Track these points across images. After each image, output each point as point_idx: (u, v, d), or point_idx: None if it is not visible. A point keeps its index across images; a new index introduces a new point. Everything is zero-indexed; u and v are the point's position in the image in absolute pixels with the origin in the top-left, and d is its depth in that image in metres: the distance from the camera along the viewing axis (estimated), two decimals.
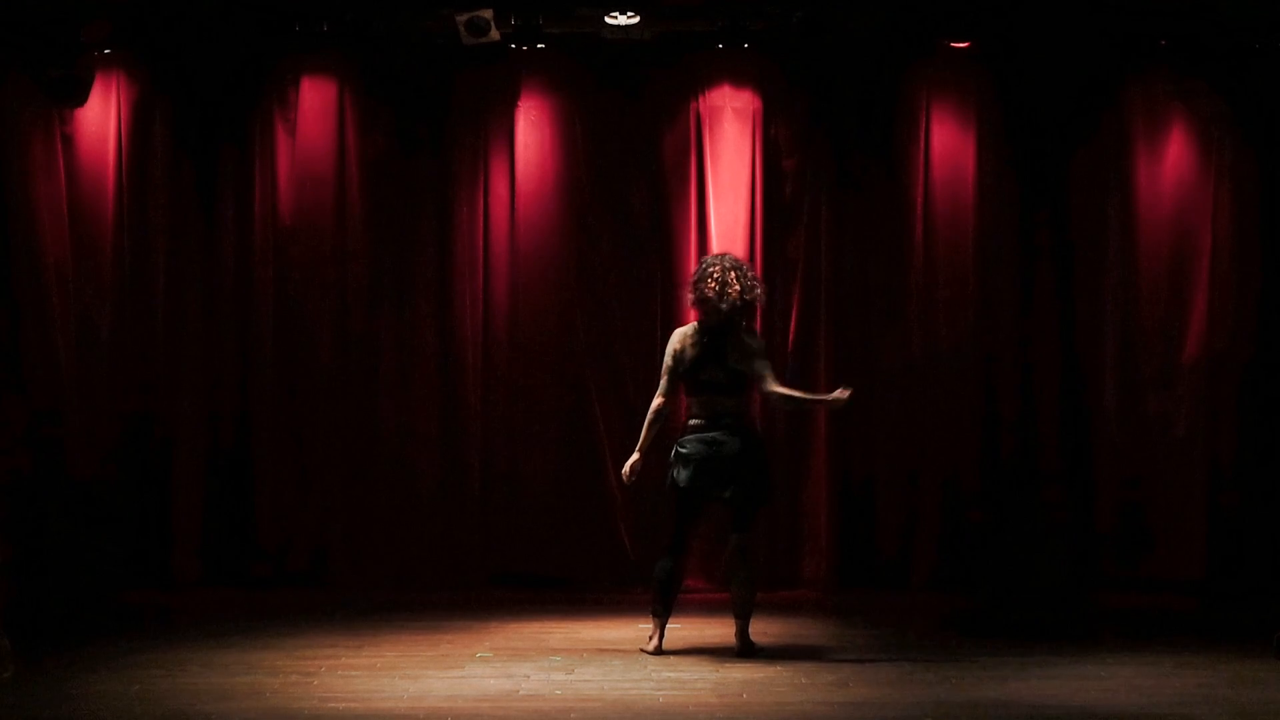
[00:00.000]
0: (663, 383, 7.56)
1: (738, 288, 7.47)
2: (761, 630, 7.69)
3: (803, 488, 9.66)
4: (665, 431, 7.61)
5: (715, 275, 7.48)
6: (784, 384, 7.65)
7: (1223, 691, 6.80)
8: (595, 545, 9.59)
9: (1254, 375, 9.49)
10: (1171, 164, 9.61)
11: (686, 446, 7.46)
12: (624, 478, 7.63)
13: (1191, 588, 9.35)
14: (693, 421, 7.52)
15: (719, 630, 8.04)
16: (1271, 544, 9.31)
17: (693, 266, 9.42)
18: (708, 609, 8.69)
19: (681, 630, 8.07)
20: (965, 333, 9.66)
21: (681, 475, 7.43)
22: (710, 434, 7.44)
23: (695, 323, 7.55)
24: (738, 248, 9.59)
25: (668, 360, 7.54)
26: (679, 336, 7.58)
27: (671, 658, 7.50)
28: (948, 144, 9.68)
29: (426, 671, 7.20)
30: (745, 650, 7.56)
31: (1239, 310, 9.51)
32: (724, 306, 7.43)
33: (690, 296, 7.55)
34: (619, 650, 7.69)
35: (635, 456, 7.56)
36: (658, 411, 7.53)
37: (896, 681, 7.00)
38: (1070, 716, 6.38)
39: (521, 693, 6.79)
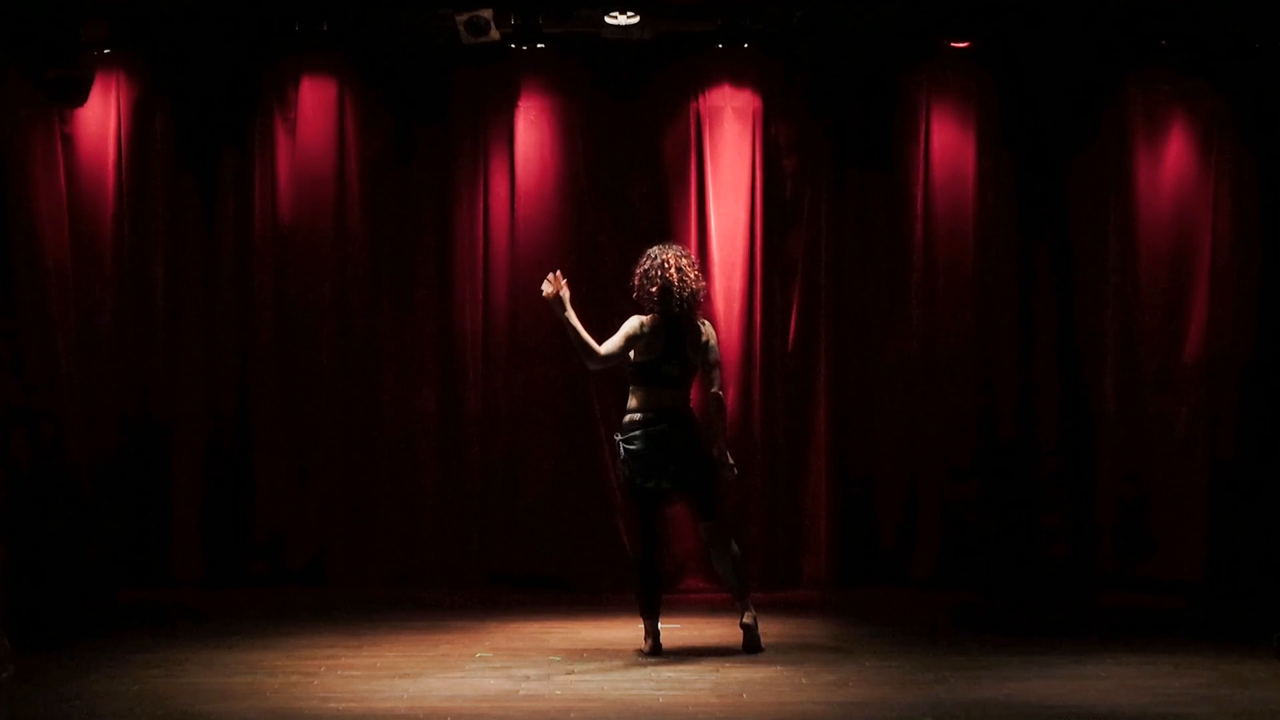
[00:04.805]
0: (616, 345, 7.44)
1: (693, 276, 7.53)
2: (762, 630, 7.68)
3: (803, 486, 9.66)
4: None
5: (671, 265, 7.50)
6: (722, 391, 7.66)
7: (1223, 691, 6.81)
8: (595, 545, 9.59)
9: (1254, 375, 9.48)
10: (1171, 164, 9.61)
11: (635, 443, 7.47)
12: (550, 279, 7.42)
13: (1191, 588, 9.34)
14: (638, 415, 7.50)
15: (719, 630, 8.05)
16: (1271, 544, 9.30)
17: None
18: (708, 609, 8.71)
19: (681, 630, 8.07)
20: (965, 332, 9.66)
21: (641, 477, 7.46)
22: (657, 427, 7.46)
23: (651, 315, 7.52)
24: (738, 248, 9.64)
25: (629, 332, 7.46)
26: (639, 324, 7.51)
27: (671, 658, 7.50)
28: (948, 144, 9.69)
29: (426, 671, 7.20)
30: (749, 639, 7.58)
31: (1239, 310, 9.50)
32: (686, 295, 7.48)
33: (646, 288, 7.51)
34: (619, 650, 7.69)
35: (567, 312, 7.35)
36: (590, 354, 7.42)
37: (896, 681, 7.00)
38: (1070, 716, 6.39)
39: (521, 693, 6.79)
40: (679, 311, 7.50)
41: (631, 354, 7.53)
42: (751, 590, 7.83)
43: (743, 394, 9.58)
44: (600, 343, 7.48)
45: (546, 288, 7.40)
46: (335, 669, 7.23)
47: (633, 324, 7.52)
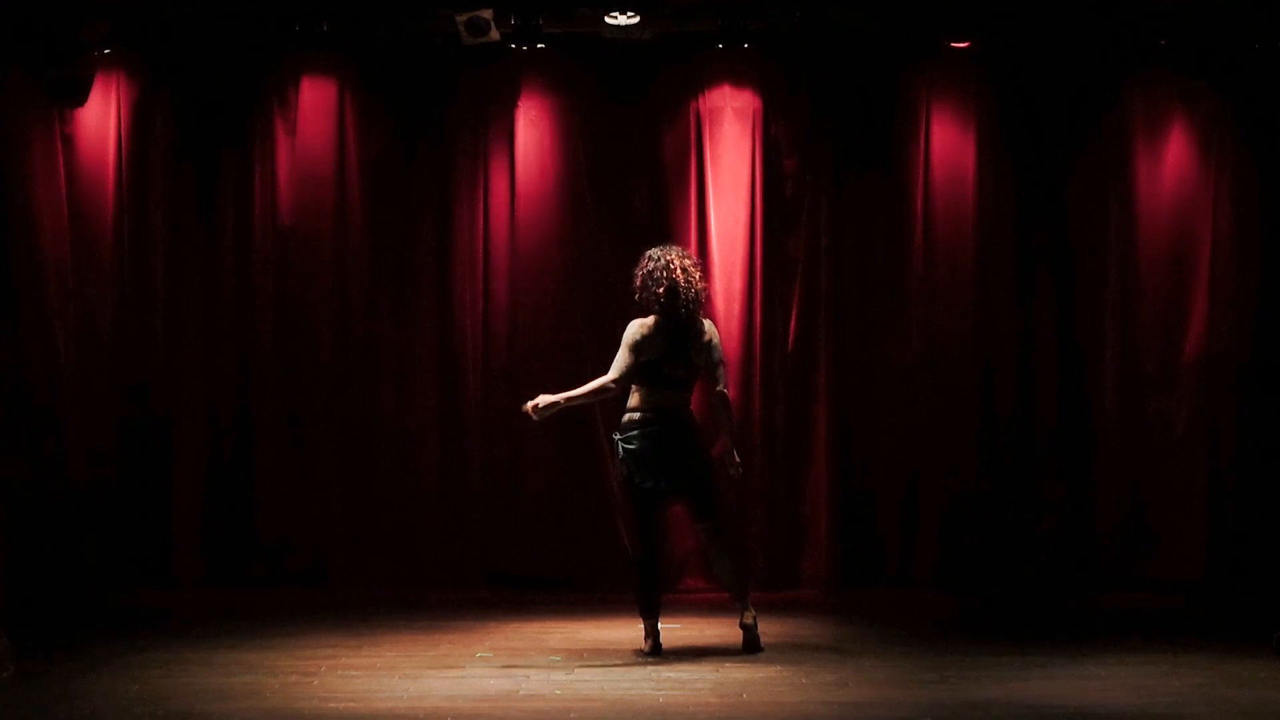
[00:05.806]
0: (624, 361, 7.43)
1: (697, 276, 7.54)
2: (762, 630, 7.69)
3: (803, 487, 9.66)
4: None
5: (676, 265, 7.49)
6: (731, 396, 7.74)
7: (1223, 691, 6.81)
8: (595, 545, 9.59)
9: (1254, 375, 9.49)
10: (1171, 164, 9.61)
11: (634, 443, 7.46)
12: (528, 410, 7.51)
13: (1191, 588, 9.35)
14: (637, 415, 7.50)
15: (719, 630, 8.05)
16: (1271, 544, 9.31)
17: None
18: (708, 609, 8.71)
19: (681, 630, 8.08)
20: (965, 332, 9.66)
21: (640, 477, 7.45)
22: (655, 428, 7.46)
23: (653, 317, 7.51)
24: (738, 248, 9.64)
25: (631, 341, 7.44)
26: (641, 327, 7.49)
27: (671, 658, 7.50)
28: (948, 144, 9.69)
29: (426, 671, 7.20)
30: (749, 639, 7.58)
31: (1239, 310, 9.51)
32: (692, 296, 7.47)
33: (652, 289, 7.49)
34: (619, 650, 7.70)
35: (556, 400, 7.46)
36: (604, 390, 7.48)
37: (896, 681, 7.01)
38: (1070, 716, 6.39)
39: (521, 693, 6.79)
40: (685, 313, 7.49)
41: (643, 357, 7.51)
42: (751, 590, 7.84)
43: (743, 394, 9.57)
44: (597, 376, 7.52)
45: (533, 416, 7.51)
46: (335, 669, 7.24)
47: (633, 331, 7.49)
